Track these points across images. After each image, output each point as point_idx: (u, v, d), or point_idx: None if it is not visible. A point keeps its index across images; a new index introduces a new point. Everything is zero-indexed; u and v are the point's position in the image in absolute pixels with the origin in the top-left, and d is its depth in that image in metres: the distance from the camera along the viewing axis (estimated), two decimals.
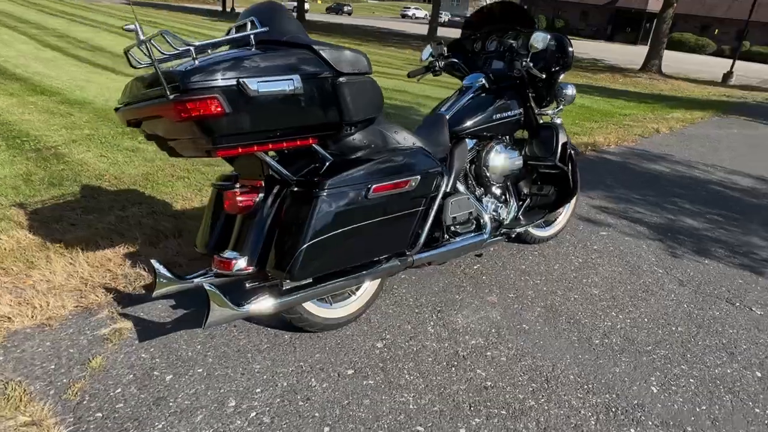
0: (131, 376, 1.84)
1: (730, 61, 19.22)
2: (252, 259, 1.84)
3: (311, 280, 1.88)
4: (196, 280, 2.04)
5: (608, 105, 10.05)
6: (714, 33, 36.88)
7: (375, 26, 30.20)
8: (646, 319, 2.51)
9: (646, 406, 1.92)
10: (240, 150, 1.64)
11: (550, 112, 2.87)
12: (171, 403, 1.74)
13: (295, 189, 1.82)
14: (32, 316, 2.11)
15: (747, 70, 24.05)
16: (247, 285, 1.92)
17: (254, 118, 1.59)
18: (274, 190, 1.89)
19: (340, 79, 1.72)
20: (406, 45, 20.97)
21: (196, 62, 1.58)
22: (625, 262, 3.14)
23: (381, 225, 1.89)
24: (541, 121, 2.86)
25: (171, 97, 1.47)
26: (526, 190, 2.88)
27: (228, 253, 1.88)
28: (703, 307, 2.69)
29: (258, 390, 1.83)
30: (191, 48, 1.54)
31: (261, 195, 1.89)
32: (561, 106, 2.87)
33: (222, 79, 1.51)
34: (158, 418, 1.67)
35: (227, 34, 1.88)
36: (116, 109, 1.86)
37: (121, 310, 2.21)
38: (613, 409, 1.89)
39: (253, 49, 1.64)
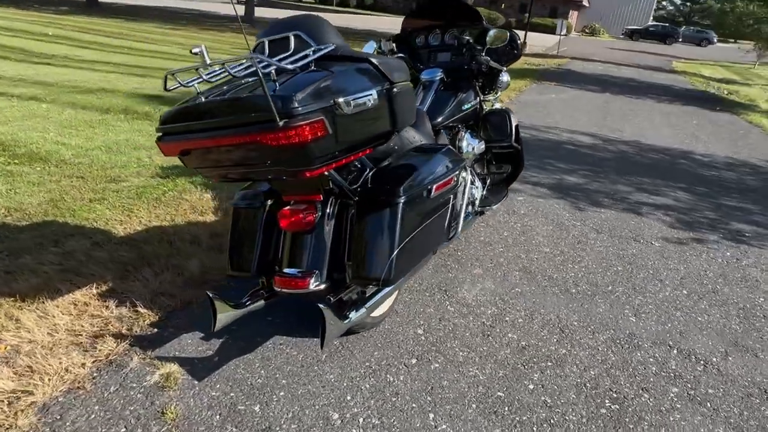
0: (218, 416, 1.76)
1: (520, 32, 22.05)
2: (321, 273, 1.86)
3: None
4: (250, 305, 1.98)
5: None
6: (501, 6, 41.60)
7: (182, 7, 28.00)
8: (594, 265, 3.06)
9: (635, 334, 2.42)
10: (324, 169, 1.66)
11: (491, 98, 3.22)
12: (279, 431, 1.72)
13: (361, 199, 1.87)
14: (51, 383, 1.84)
15: (533, 40, 27.84)
16: (331, 298, 1.92)
17: (343, 137, 1.63)
18: (332, 204, 1.92)
19: (395, 88, 1.82)
20: (224, 27, 19.92)
21: (277, 85, 1.55)
22: (551, 220, 3.70)
23: (438, 220, 2.05)
24: (486, 108, 3.20)
25: (281, 123, 1.44)
26: (486, 171, 3.22)
27: (290, 270, 1.87)
28: (623, 247, 3.35)
29: (348, 397, 1.89)
30: (295, 67, 1.53)
31: (320, 210, 1.90)
32: (499, 92, 3.23)
33: (323, 101, 1.52)
34: None
35: (255, 49, 1.83)
36: (160, 139, 1.70)
37: (153, 354, 2.03)
38: (617, 341, 2.35)
39: (331, 68, 1.65)
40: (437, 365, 2.10)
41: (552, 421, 1.85)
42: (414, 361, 2.11)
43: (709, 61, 24.61)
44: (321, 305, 1.68)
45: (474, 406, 1.89)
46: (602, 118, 7.98)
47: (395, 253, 1.78)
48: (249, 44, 1.89)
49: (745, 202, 4.51)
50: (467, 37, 2.95)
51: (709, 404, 1.99)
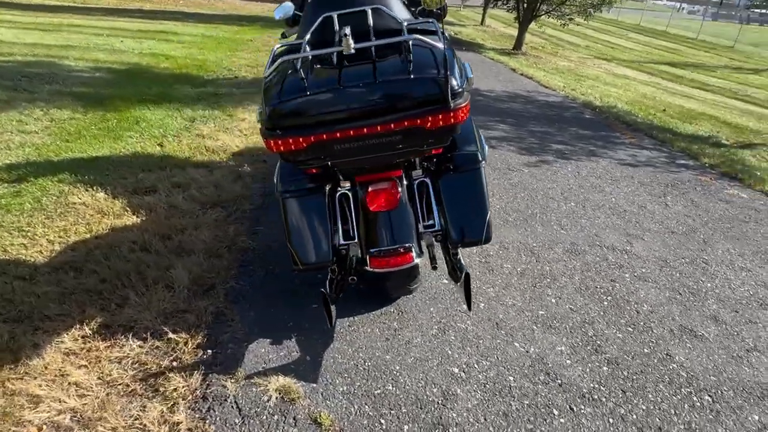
0: (367, 406, 1.75)
1: None
2: (415, 245, 1.93)
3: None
4: (341, 295, 1.92)
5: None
6: None
7: None
8: (507, 195, 3.64)
9: (575, 242, 3.07)
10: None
11: None
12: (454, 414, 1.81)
13: (446, 169, 1.95)
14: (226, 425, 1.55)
15: None
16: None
17: None
18: (424, 178, 1.96)
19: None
20: None
21: (411, 65, 1.56)
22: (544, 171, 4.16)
23: None
24: None
25: (452, 105, 1.48)
26: None
27: (388, 248, 1.88)
28: (509, 177, 4.02)
29: (449, 351, 2.05)
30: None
31: (400, 186, 1.92)
32: None
33: (464, 80, 1.58)
34: None
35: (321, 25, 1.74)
36: (272, 135, 1.51)
37: (239, 374, 1.83)
38: (569, 250, 2.96)
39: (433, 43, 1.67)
40: (517, 303, 2.38)
41: (561, 297, 2.34)
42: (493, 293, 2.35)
43: None
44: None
45: (517, 312, 2.26)
46: None
47: (489, 211, 1.96)
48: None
49: (543, 126, 5.69)
50: None
51: (631, 273, 2.75)
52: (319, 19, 1.75)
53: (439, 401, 1.79)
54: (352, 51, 1.53)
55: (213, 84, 6.02)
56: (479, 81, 8.01)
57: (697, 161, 4.89)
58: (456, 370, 1.95)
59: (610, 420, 1.77)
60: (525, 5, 12.87)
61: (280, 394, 1.76)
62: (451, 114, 1.51)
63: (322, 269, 1.94)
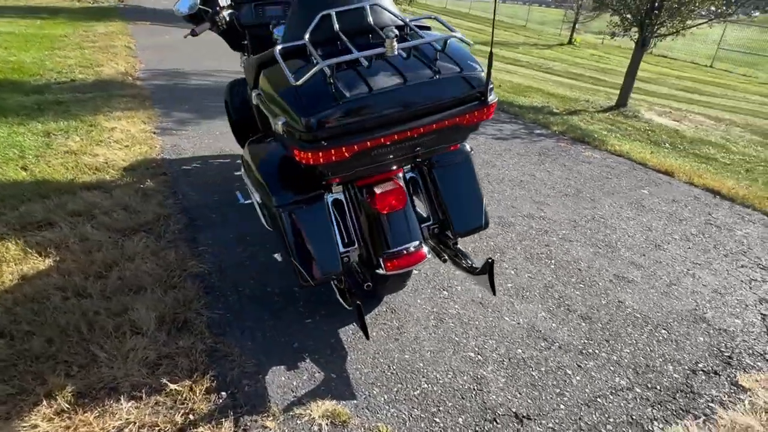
0: (419, 413, 1.74)
1: None
2: (423, 240, 1.94)
3: None
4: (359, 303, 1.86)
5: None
6: None
7: None
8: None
9: (552, 219, 3.34)
10: None
11: None
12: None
13: (439, 164, 1.97)
14: None
15: None
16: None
17: None
18: (412, 173, 1.96)
19: None
20: None
21: (439, 63, 1.57)
22: None
23: None
24: None
25: (489, 100, 1.52)
26: None
27: (399, 248, 1.87)
28: (486, 160, 4.16)
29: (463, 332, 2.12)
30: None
31: (401, 183, 1.90)
32: None
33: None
34: None
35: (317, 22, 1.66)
36: (315, 146, 1.40)
37: (287, 402, 1.67)
38: (542, 229, 3.21)
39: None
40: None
41: (517, 268, 2.59)
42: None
43: None
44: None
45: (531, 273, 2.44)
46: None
47: (484, 200, 2.04)
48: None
49: None
50: None
51: (557, 237, 3.12)
52: (317, 18, 1.64)
53: (475, 387, 1.86)
54: (396, 53, 1.48)
55: (48, 90, 5.12)
56: None
57: (549, 130, 5.58)
58: (472, 354, 2.03)
59: (611, 368, 2.01)
60: None
61: (328, 419, 1.66)
62: (488, 109, 1.56)
63: (329, 281, 1.86)
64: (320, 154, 1.46)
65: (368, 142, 1.49)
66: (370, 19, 1.70)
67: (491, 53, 1.47)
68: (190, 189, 3.22)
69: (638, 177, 4.17)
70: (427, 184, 2.02)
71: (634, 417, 1.79)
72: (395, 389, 1.83)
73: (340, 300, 1.90)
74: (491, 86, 1.60)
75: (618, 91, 7.78)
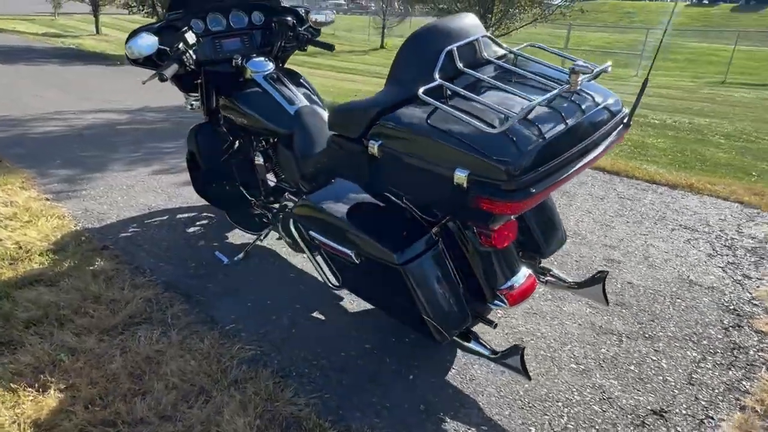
0: None
1: None
2: (528, 267, 1.92)
3: None
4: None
5: None
6: None
7: None
8: None
9: None
10: None
11: None
12: None
13: None
14: None
15: None
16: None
17: None
18: None
19: None
20: None
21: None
22: None
23: None
24: None
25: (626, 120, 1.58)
26: None
27: (510, 282, 1.83)
28: None
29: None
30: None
31: None
32: None
33: None
34: None
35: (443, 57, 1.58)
36: (515, 197, 1.31)
37: None
38: None
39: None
40: None
41: None
42: None
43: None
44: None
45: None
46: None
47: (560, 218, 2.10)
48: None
49: None
50: (285, 17, 2.66)
51: None
52: (442, 55, 1.52)
53: (600, 396, 1.92)
54: (579, 87, 1.43)
55: None
56: None
57: None
58: (574, 366, 2.08)
59: (676, 344, 2.24)
60: None
61: None
62: (625, 131, 1.61)
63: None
64: (527, 201, 1.35)
65: (564, 181, 1.43)
66: (484, 52, 1.63)
67: (646, 79, 1.53)
68: (154, 260, 2.69)
69: None
70: None
71: (728, 384, 2.01)
72: (518, 410, 1.80)
73: (462, 342, 1.81)
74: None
75: None
